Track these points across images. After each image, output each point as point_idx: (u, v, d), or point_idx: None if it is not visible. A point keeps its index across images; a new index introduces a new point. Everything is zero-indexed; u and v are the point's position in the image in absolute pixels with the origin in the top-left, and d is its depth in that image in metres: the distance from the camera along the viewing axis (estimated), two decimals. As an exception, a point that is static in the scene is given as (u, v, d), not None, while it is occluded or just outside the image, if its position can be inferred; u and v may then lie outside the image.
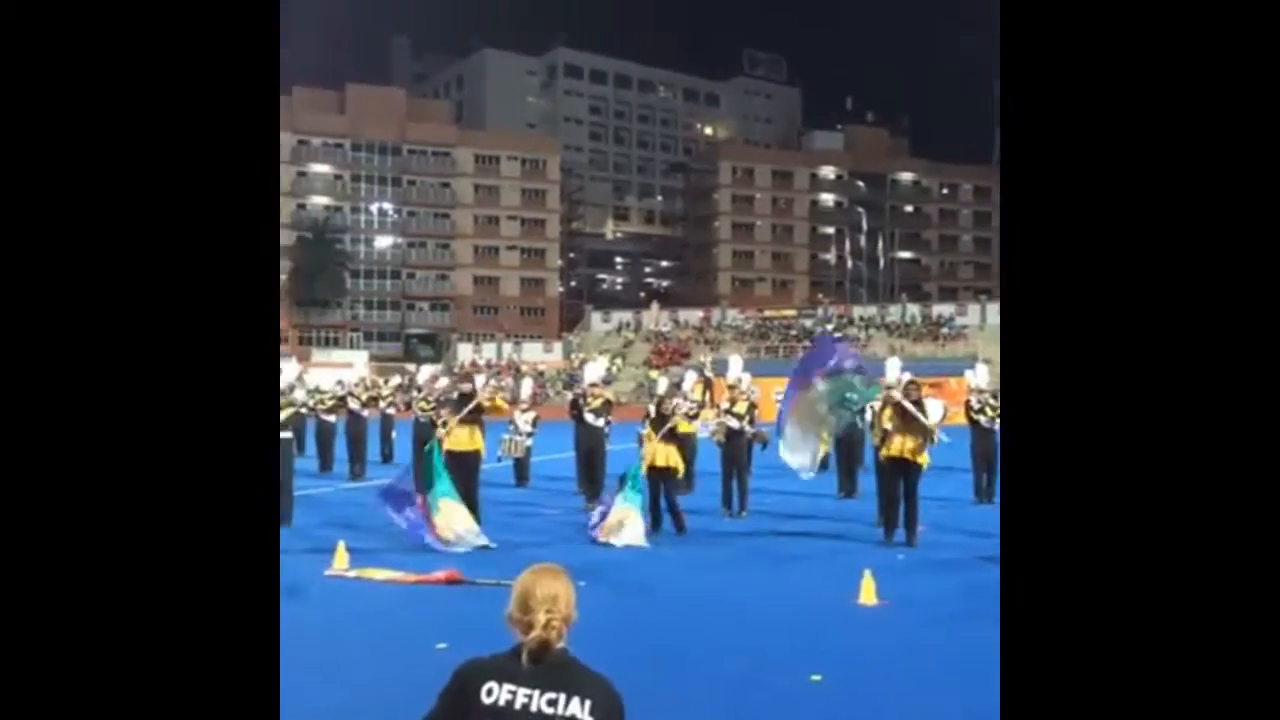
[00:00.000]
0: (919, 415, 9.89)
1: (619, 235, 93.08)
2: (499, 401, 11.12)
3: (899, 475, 9.95)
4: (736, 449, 12.21)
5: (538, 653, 2.31)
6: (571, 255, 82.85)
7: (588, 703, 2.26)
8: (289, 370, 13.95)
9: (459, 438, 10.26)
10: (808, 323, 51.85)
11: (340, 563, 8.46)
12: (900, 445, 9.90)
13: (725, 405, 12.59)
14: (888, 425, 10.17)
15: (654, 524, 10.61)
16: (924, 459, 9.99)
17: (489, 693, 2.28)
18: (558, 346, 55.94)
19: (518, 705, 2.26)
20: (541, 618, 2.32)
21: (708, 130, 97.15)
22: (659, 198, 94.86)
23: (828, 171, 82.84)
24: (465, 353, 55.03)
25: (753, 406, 12.65)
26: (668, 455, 10.67)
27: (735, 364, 13.65)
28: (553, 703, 2.25)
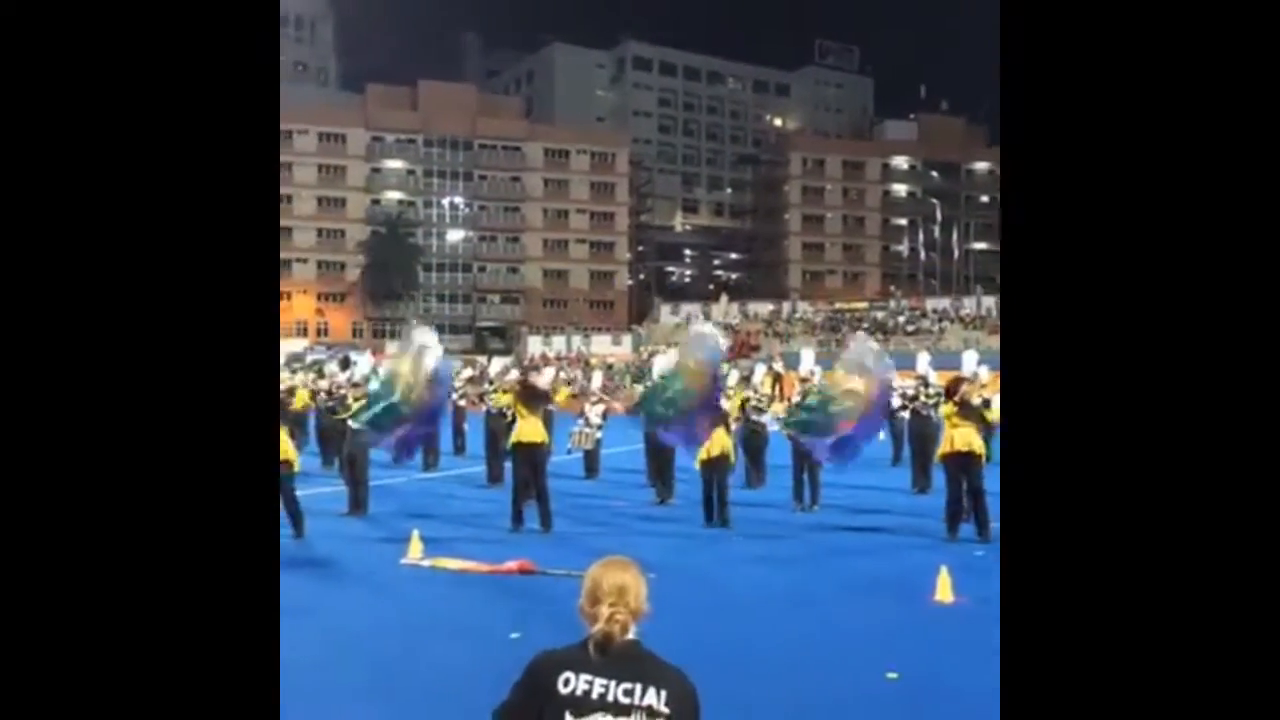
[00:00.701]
0: (980, 410, 9.89)
1: (688, 228, 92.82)
2: (563, 393, 11.20)
3: (961, 471, 9.83)
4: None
5: (602, 644, 2.32)
6: (640, 248, 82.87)
7: (663, 693, 2.27)
8: (363, 363, 14.20)
9: (527, 429, 10.33)
10: (880, 315, 51.13)
11: (415, 552, 8.58)
12: (962, 440, 9.79)
13: (797, 398, 12.47)
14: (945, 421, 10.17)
15: (708, 517, 10.60)
16: (979, 447, 9.83)
17: (566, 683, 2.30)
18: (627, 339, 56.04)
19: (595, 695, 2.28)
20: (605, 611, 2.33)
21: (777, 121, 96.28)
22: (728, 190, 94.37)
23: (900, 162, 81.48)
24: (535, 345, 55.47)
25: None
26: (722, 445, 10.65)
27: (808, 357, 13.54)
28: (629, 693, 2.27)
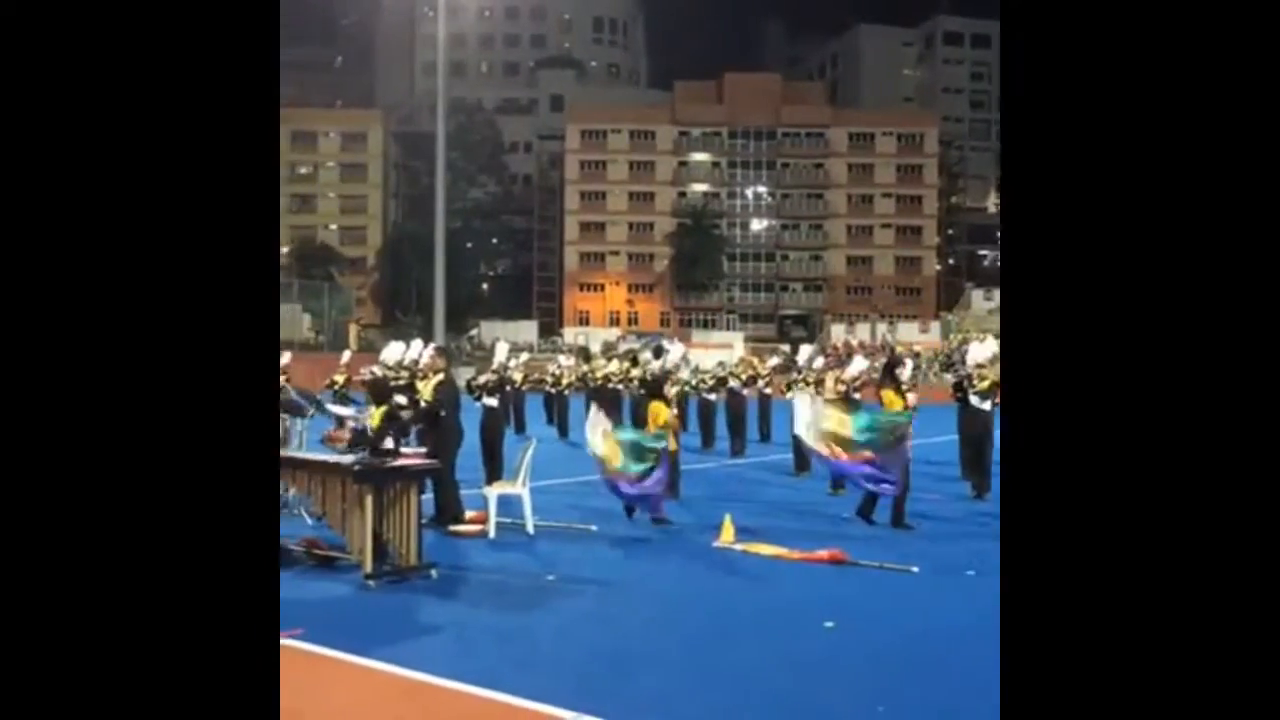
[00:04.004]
0: None
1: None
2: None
3: None
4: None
5: None
6: (950, 231, 79.43)
7: None
8: (675, 351, 14.75)
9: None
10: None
11: (727, 536, 8.80)
12: None
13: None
14: None
15: None
16: None
17: None
18: (934, 326, 54.02)
19: None
20: None
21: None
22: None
23: (1256, 124, 72.37)
24: (838, 333, 54.82)
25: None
26: None
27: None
28: None
